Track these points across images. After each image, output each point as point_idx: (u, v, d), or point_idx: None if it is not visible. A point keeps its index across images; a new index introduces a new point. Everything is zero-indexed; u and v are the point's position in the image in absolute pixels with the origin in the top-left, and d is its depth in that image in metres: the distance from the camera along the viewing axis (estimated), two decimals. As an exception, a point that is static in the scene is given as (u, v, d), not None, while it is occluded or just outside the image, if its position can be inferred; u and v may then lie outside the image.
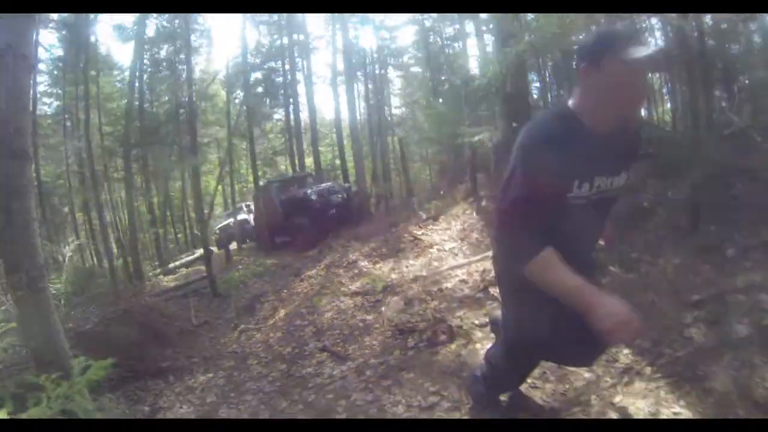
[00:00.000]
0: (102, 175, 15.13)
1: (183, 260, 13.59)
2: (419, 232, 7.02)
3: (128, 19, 14.00)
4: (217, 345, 5.22)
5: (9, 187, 2.49)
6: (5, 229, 2.43)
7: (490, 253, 4.97)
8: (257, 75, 17.54)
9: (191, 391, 3.86)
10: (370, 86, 19.04)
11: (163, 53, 15.05)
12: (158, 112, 14.85)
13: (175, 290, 8.47)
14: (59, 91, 14.79)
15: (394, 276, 5.49)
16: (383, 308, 4.51)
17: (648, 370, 2.44)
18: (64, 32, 13.46)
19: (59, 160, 15.00)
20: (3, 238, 2.46)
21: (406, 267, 5.71)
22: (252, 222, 14.36)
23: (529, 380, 2.39)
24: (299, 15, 16.63)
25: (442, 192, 10.53)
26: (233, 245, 14.06)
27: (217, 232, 15.65)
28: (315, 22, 18.82)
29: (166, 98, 15.34)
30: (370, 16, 17.78)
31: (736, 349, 2.32)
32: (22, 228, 2.50)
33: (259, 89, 17.54)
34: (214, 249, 13.26)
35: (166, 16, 13.78)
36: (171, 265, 13.13)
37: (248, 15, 15.75)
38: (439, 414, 2.56)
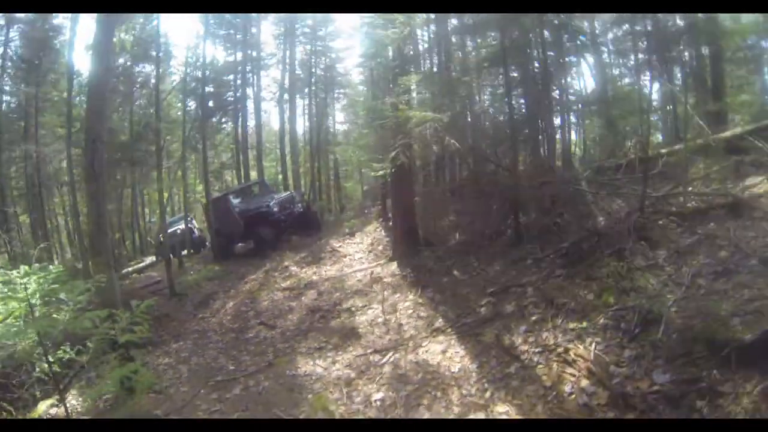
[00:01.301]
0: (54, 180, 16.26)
1: (134, 267, 14.81)
2: (338, 245, 9.19)
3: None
4: (180, 328, 7.06)
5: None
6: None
7: (381, 262, 7.25)
8: (209, 88, 18.26)
9: (168, 353, 5.73)
10: (314, 104, 20.91)
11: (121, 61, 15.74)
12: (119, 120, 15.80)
13: (137, 290, 10.05)
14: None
15: (314, 277, 7.60)
16: (303, 297, 6.64)
17: (449, 330, 4.63)
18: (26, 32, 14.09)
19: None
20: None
21: (324, 271, 7.84)
22: (196, 232, 15.54)
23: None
24: (254, 31, 18.09)
25: (366, 211, 12.73)
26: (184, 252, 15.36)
27: (161, 240, 16.19)
28: (268, 39, 19.94)
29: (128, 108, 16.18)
30: (320, 34, 19.65)
31: (503, 318, 4.48)
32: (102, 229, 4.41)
33: (210, 103, 18.27)
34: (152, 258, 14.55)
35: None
36: (123, 271, 14.36)
37: (206, 27, 16.52)
38: (322, 351, 4.71)
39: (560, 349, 3.45)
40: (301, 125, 22.84)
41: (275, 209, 11.68)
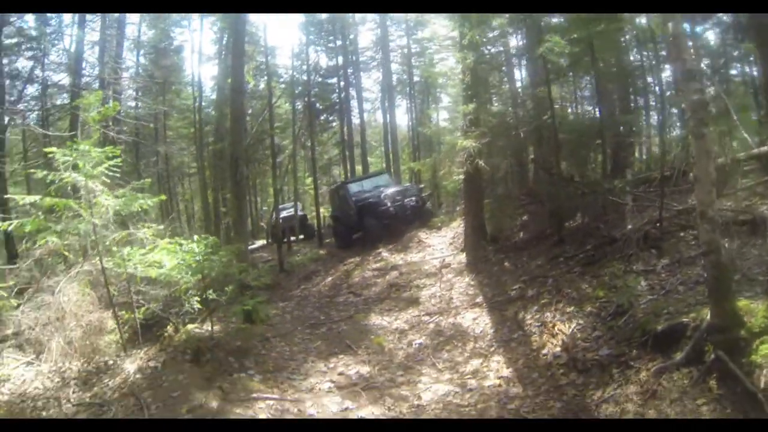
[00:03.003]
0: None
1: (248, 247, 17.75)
2: (425, 237, 10.84)
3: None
4: (286, 294, 9.27)
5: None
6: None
7: (454, 252, 8.82)
8: (314, 89, 20.68)
9: (277, 308, 7.82)
10: (414, 104, 22.71)
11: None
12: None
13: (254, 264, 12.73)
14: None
15: (399, 261, 9.36)
16: (387, 276, 8.44)
17: (484, 305, 6.14)
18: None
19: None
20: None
21: (409, 257, 9.55)
22: (307, 219, 17.86)
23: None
24: (352, 37, 20.24)
25: (457, 209, 14.15)
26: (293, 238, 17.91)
27: (273, 225, 17.25)
28: (366, 43, 21.95)
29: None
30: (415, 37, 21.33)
31: (524, 300, 5.87)
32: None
33: (318, 104, 20.80)
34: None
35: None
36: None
37: (306, 35, 18.92)
38: (390, 312, 6.46)
39: (551, 325, 4.80)
40: (404, 124, 24.84)
41: (386, 200, 11.95)
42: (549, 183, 7.83)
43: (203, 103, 18.35)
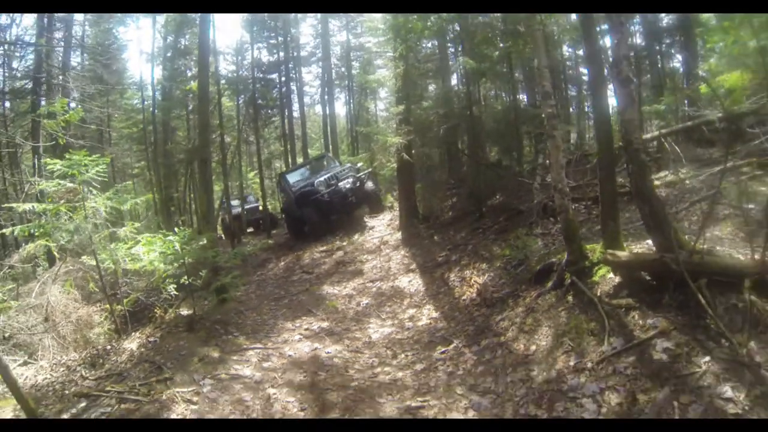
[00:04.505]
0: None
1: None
2: (368, 221, 12.10)
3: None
4: (245, 279, 10.20)
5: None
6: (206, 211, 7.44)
7: (391, 232, 10.13)
8: (259, 86, 21.31)
9: (240, 290, 8.86)
10: (352, 97, 23.92)
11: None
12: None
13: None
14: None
15: (344, 243, 10.57)
16: (333, 256, 9.63)
17: (417, 270, 7.48)
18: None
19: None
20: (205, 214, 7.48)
21: (354, 238, 10.78)
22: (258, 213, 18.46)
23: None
24: (293, 32, 21.04)
25: (394, 193, 15.49)
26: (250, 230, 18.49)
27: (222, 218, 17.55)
28: (308, 39, 22.70)
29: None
30: (356, 32, 22.46)
31: (449, 264, 7.28)
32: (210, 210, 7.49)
33: (259, 101, 21.37)
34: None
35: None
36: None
37: (250, 33, 19.42)
38: (339, 283, 7.67)
39: (469, 279, 6.22)
40: (343, 115, 25.92)
41: (320, 187, 11.47)
42: (471, 169, 9.33)
43: (146, 103, 18.55)
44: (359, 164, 12.92)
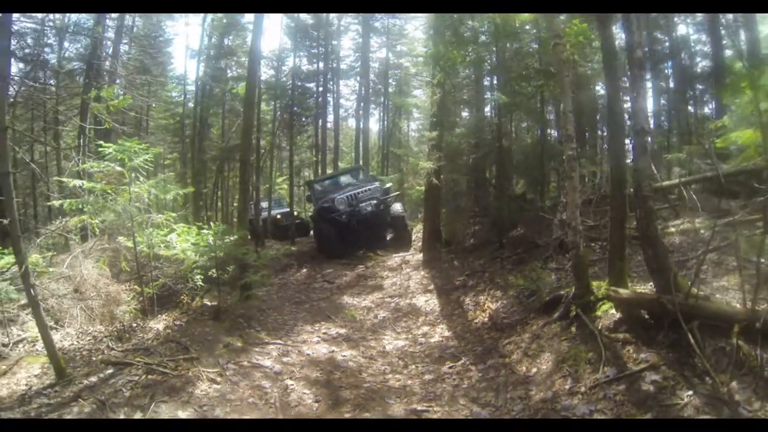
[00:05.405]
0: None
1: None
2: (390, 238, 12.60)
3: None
4: (267, 282, 10.74)
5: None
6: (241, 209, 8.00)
7: (413, 252, 10.56)
8: (297, 93, 21.87)
9: (262, 291, 9.39)
10: (386, 114, 24.58)
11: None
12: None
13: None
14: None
15: (366, 258, 11.04)
16: (355, 269, 10.10)
17: (434, 291, 7.88)
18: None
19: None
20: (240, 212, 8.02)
21: (376, 254, 11.24)
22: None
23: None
24: (335, 43, 21.76)
25: (419, 215, 15.96)
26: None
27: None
28: (347, 53, 23.40)
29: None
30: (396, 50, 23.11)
31: (465, 288, 7.64)
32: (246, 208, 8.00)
33: (296, 108, 22.14)
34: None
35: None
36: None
37: (293, 41, 20.20)
38: (360, 295, 8.12)
39: (483, 304, 6.59)
40: (376, 131, 26.61)
41: (339, 206, 11.01)
42: (496, 199, 9.72)
43: (186, 97, 19.61)
44: (388, 184, 12.39)
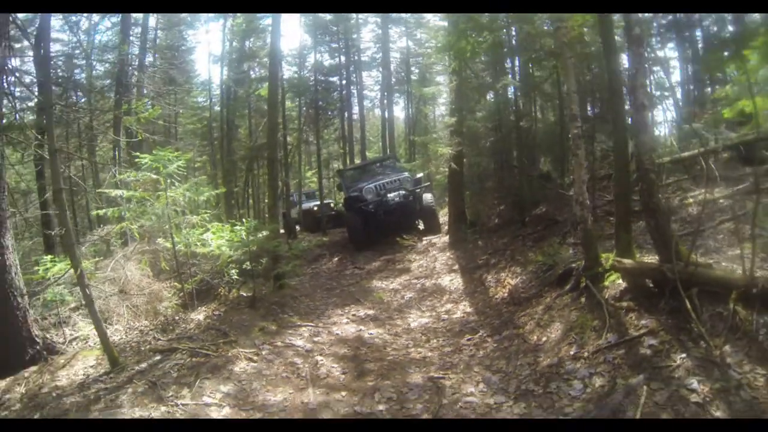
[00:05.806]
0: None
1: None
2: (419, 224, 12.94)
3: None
4: (300, 272, 11.26)
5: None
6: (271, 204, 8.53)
7: (440, 235, 10.88)
8: (320, 88, 22.21)
9: (295, 280, 9.91)
10: (411, 102, 24.75)
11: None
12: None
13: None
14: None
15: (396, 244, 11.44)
16: (384, 254, 10.52)
17: (458, 270, 8.21)
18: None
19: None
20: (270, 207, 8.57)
21: (404, 238, 11.62)
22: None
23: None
24: (356, 37, 21.99)
25: (445, 199, 16.15)
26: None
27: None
28: (367, 45, 23.53)
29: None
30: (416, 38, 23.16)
31: (488, 266, 7.94)
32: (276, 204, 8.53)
33: (320, 103, 22.41)
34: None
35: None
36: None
37: (313, 37, 20.25)
38: (388, 278, 8.54)
39: (503, 281, 6.88)
40: (402, 119, 26.82)
41: (367, 195, 11.11)
42: (519, 179, 9.90)
43: (212, 101, 20.34)
44: (419, 174, 12.47)
